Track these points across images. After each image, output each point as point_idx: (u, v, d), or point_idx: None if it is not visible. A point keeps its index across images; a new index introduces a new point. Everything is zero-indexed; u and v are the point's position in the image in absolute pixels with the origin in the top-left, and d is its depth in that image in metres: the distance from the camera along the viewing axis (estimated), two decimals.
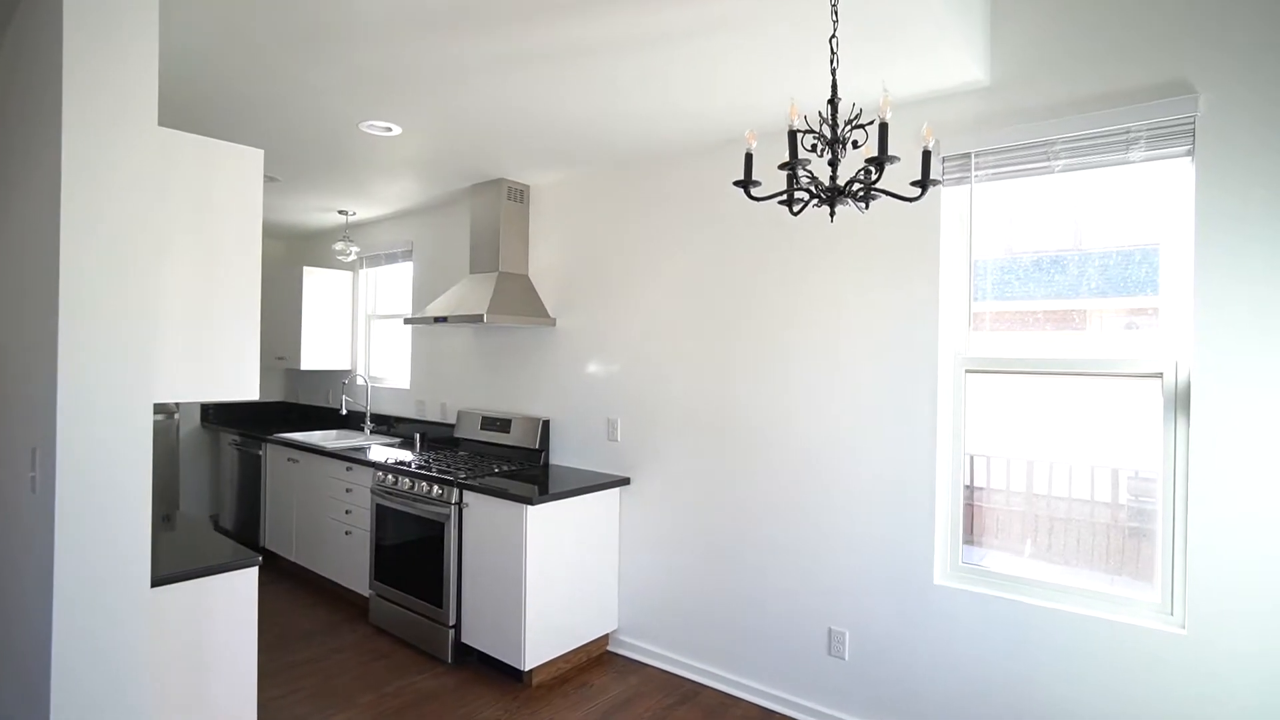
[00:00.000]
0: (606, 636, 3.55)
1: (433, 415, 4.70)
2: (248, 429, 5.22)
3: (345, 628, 3.83)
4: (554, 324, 3.90)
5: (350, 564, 4.11)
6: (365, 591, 3.97)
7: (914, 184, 1.68)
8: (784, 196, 1.80)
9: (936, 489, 2.58)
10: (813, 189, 1.73)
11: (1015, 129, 2.39)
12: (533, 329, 4.04)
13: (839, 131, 1.73)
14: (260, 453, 4.95)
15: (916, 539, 2.62)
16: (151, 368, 1.73)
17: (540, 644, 3.16)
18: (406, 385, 4.94)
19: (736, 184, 1.77)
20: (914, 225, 2.63)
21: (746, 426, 3.09)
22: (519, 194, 3.97)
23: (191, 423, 5.62)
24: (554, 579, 3.22)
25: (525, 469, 3.71)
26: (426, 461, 3.85)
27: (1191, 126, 2.09)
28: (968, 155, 2.52)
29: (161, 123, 2.90)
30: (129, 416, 1.68)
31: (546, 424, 3.87)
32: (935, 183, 1.67)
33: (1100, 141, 2.26)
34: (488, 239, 3.95)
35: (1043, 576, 2.40)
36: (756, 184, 1.76)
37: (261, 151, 2.10)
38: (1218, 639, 2.04)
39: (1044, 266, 2.45)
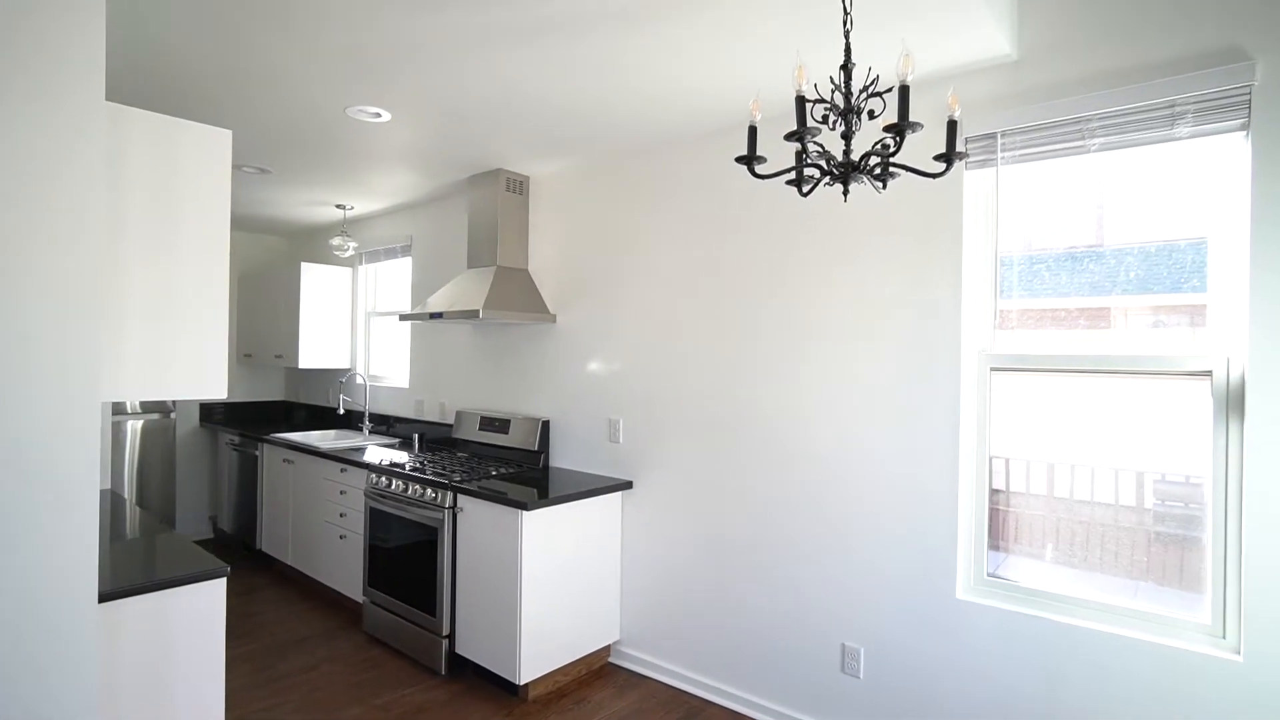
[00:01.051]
0: (607, 648, 3.38)
1: (431, 415, 4.56)
2: (247, 429, 5.11)
3: (338, 635, 3.70)
4: (554, 320, 3.74)
5: (344, 569, 3.98)
6: (359, 598, 3.83)
7: (937, 158, 1.50)
8: (792, 175, 1.63)
9: (960, 495, 2.38)
10: (824, 164, 1.55)
11: (1046, 105, 2.20)
12: (532, 325, 3.88)
13: (853, 100, 1.55)
14: (257, 453, 4.83)
15: (938, 550, 2.42)
16: (99, 363, 1.58)
17: (537, 656, 3.00)
18: (405, 384, 4.80)
19: (739, 160, 1.60)
20: (935, 213, 2.44)
21: (756, 428, 2.91)
22: (518, 185, 3.82)
23: (190, 423, 5.51)
24: (552, 588, 3.06)
25: (524, 471, 3.55)
26: (422, 463, 3.71)
27: (1247, 97, 1.88)
28: (993, 135, 2.32)
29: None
30: (73, 416, 1.53)
31: (546, 424, 3.71)
32: (962, 155, 1.49)
33: (1142, 117, 2.06)
34: (485, 232, 3.80)
35: (1076, 592, 2.20)
36: (761, 160, 1.59)
37: (229, 132, 1.95)
38: (1279, 667, 1.83)
39: (1077, 258, 2.25)
